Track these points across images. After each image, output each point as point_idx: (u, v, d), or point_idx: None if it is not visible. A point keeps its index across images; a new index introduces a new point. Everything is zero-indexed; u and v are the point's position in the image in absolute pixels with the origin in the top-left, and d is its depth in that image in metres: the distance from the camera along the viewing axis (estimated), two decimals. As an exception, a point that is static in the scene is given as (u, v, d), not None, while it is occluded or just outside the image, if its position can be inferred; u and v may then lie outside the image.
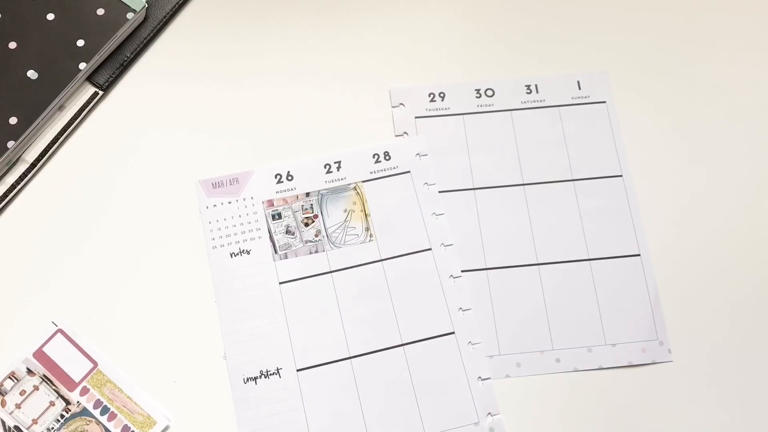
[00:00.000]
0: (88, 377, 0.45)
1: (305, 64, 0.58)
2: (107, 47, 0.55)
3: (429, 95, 0.57)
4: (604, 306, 0.53)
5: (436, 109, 0.57)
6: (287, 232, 0.53)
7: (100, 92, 0.56)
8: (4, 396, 0.43)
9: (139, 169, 0.54)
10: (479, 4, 0.60)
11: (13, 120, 0.53)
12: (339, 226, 0.53)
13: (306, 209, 0.54)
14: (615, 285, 0.53)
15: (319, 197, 0.54)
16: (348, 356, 0.51)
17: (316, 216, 0.54)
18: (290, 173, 0.55)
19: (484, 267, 0.53)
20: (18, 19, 0.55)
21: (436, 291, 0.52)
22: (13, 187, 0.53)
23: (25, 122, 0.53)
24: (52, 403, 0.44)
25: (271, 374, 0.50)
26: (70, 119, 0.55)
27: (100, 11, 0.55)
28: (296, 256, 0.53)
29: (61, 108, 0.55)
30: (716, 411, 0.51)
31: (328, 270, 0.52)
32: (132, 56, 0.56)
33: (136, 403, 0.46)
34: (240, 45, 0.58)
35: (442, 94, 0.57)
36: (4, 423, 0.43)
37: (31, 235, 0.53)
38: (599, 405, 0.51)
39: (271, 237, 0.53)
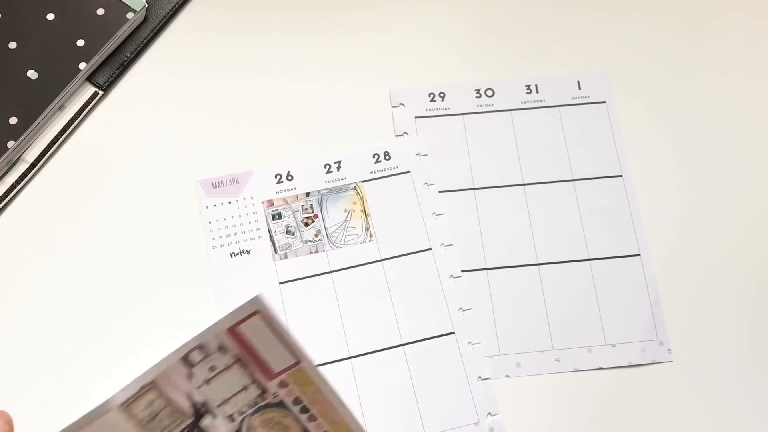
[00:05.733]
0: (289, 372, 0.40)
1: (306, 65, 0.58)
2: (107, 47, 0.55)
3: (429, 95, 0.57)
4: (604, 306, 0.53)
5: (436, 109, 0.57)
6: (287, 232, 0.53)
7: (100, 92, 0.56)
8: (191, 368, 0.38)
9: (139, 169, 0.54)
10: (479, 4, 0.60)
11: (13, 120, 0.53)
12: (339, 226, 0.53)
13: (306, 209, 0.54)
14: (615, 285, 0.53)
15: (319, 197, 0.54)
16: (348, 356, 0.51)
17: (316, 216, 0.54)
18: (290, 173, 0.55)
19: (484, 267, 0.53)
20: (18, 19, 0.55)
21: (436, 291, 0.52)
22: (13, 187, 0.53)
23: (25, 122, 0.53)
24: (245, 387, 0.40)
25: (271, 374, 0.50)
26: (70, 119, 0.55)
27: (100, 11, 0.55)
28: (296, 256, 0.53)
29: (61, 108, 0.55)
30: (716, 411, 0.51)
31: (328, 270, 0.52)
32: (132, 56, 0.56)
33: (338, 413, 0.41)
34: (240, 45, 0.58)
35: (442, 94, 0.57)
36: (191, 395, 0.39)
37: (31, 235, 0.53)
38: (599, 405, 0.51)
39: (271, 237, 0.53)
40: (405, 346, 0.51)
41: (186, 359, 0.38)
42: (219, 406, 0.40)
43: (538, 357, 0.52)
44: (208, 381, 0.39)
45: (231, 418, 0.40)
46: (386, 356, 0.51)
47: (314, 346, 0.51)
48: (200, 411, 0.39)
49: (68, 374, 0.50)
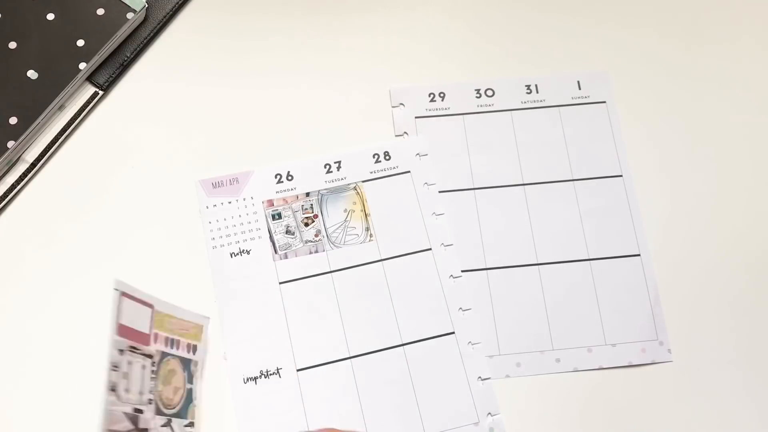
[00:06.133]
0: (152, 323, 0.44)
1: (306, 64, 0.58)
2: (107, 47, 0.55)
3: (429, 95, 0.57)
4: (604, 306, 0.53)
5: (436, 109, 0.57)
6: (287, 232, 0.53)
7: (100, 92, 0.56)
8: (117, 390, 0.41)
9: (139, 169, 0.54)
10: (479, 4, 0.60)
11: (13, 120, 0.53)
12: (339, 226, 0.53)
13: (306, 209, 0.54)
14: (615, 285, 0.53)
15: (319, 197, 0.54)
16: (348, 356, 0.51)
17: (316, 216, 0.54)
18: (290, 173, 0.55)
19: (484, 267, 0.53)
20: (18, 19, 0.55)
21: (436, 291, 0.52)
22: (13, 187, 0.53)
23: (25, 122, 0.53)
24: (143, 367, 0.43)
25: (271, 374, 0.50)
26: (70, 119, 0.55)
27: (100, 11, 0.55)
28: (296, 256, 0.53)
29: (61, 108, 0.55)
30: (716, 411, 0.51)
31: (328, 270, 0.52)
32: (132, 56, 0.56)
33: (182, 320, 0.46)
34: (240, 45, 0.58)
35: (442, 94, 0.57)
36: (127, 413, 0.42)
37: (31, 235, 0.53)
38: (599, 405, 0.51)
39: (271, 237, 0.53)
40: (405, 346, 0.51)
41: (112, 388, 0.40)
42: (141, 400, 0.43)
43: (538, 357, 0.52)
44: (128, 390, 0.42)
45: (149, 401, 0.43)
46: (386, 356, 0.51)
47: (314, 346, 0.51)
48: (134, 418, 0.42)
49: (67, 374, 0.50)
